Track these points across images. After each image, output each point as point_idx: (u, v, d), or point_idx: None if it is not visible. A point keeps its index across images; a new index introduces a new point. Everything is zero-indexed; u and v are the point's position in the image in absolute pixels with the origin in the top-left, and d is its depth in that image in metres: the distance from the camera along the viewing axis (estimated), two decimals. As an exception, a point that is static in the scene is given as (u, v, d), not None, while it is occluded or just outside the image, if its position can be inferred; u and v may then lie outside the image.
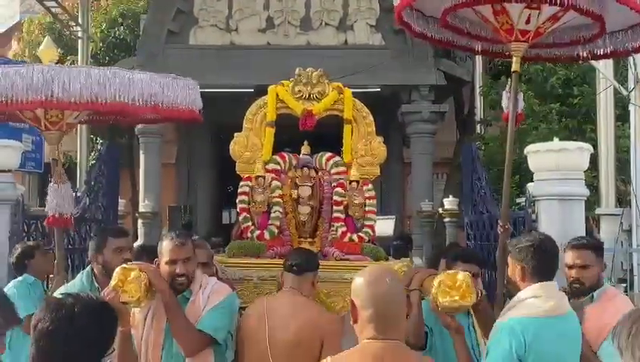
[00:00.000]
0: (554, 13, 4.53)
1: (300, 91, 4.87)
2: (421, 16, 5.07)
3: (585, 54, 5.23)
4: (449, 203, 11.42)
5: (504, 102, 4.91)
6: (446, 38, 5.22)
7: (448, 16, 4.84)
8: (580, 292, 3.93)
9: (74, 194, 8.54)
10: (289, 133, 4.96)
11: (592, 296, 3.89)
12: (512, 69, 4.76)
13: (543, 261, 3.34)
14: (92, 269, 4.09)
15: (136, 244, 6.25)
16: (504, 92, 4.97)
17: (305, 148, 5.00)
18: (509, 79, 4.91)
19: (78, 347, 1.97)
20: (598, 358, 3.65)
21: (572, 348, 3.31)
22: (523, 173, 9.08)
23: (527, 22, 4.55)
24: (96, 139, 14.60)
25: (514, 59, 4.72)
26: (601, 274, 4.01)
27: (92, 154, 13.42)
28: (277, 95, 4.88)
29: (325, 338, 3.59)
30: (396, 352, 2.33)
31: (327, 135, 5.32)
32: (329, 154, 4.94)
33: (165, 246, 3.42)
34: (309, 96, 4.88)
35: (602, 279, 4.04)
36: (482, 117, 13.00)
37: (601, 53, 5.16)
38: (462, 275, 3.22)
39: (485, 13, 4.63)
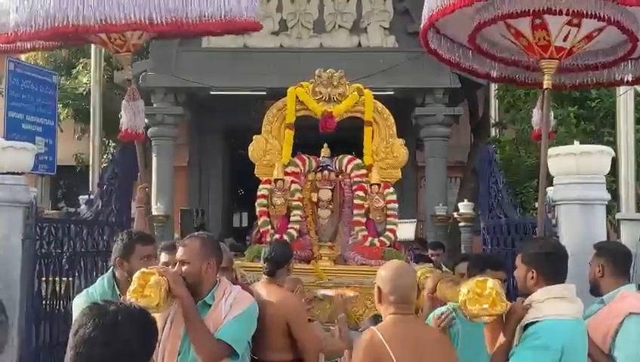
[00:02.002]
0: (591, 31, 4.46)
1: (320, 93, 4.81)
2: (443, 38, 5.01)
3: (628, 78, 5.22)
4: (464, 207, 11.32)
5: (534, 120, 4.84)
6: (466, 63, 5.17)
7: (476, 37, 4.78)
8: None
9: (87, 197, 8.57)
10: (309, 136, 4.89)
11: (602, 300, 3.83)
12: (544, 87, 4.68)
13: (557, 265, 3.34)
14: (113, 274, 3.99)
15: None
16: (534, 109, 4.89)
17: (325, 151, 4.94)
18: (542, 94, 4.84)
19: (118, 356, 1.90)
20: (604, 356, 3.63)
21: (586, 350, 3.34)
22: (541, 177, 8.96)
23: (565, 39, 4.49)
24: (109, 143, 14.57)
25: (545, 76, 4.65)
26: (598, 271, 3.92)
27: (105, 156, 13.38)
28: (296, 97, 4.82)
29: (289, 319, 3.93)
30: (413, 321, 3.23)
31: (347, 137, 5.26)
32: (349, 156, 4.88)
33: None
34: (329, 97, 4.81)
35: (601, 278, 3.92)
36: (497, 120, 12.87)
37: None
38: (491, 283, 3.13)
39: (522, 27, 4.54)
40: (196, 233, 3.52)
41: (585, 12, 4.19)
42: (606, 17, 4.18)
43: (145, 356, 1.99)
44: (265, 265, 4.16)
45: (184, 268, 3.33)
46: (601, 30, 4.43)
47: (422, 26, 4.74)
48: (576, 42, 4.52)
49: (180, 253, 3.37)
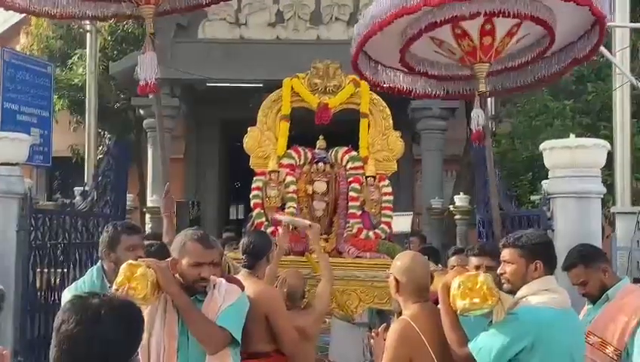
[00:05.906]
0: (508, 29, 4.50)
1: (315, 84, 4.80)
2: (371, 62, 5.09)
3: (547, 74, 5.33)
4: (460, 200, 11.31)
5: (474, 123, 4.92)
6: (391, 83, 5.28)
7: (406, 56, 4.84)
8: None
9: (82, 188, 8.55)
10: (304, 128, 4.88)
11: (607, 296, 3.80)
12: (479, 90, 4.76)
13: (554, 255, 3.33)
14: (102, 266, 3.97)
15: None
16: (474, 109, 4.93)
17: (320, 143, 4.92)
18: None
19: (103, 351, 1.86)
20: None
21: (581, 342, 3.30)
22: (536, 170, 8.97)
23: (488, 42, 4.57)
24: (104, 134, 14.53)
25: (480, 80, 4.74)
26: (604, 275, 3.88)
27: (100, 148, 13.33)
28: (292, 88, 4.80)
29: (267, 312, 3.91)
30: (430, 308, 3.32)
31: (343, 129, 5.25)
32: (345, 148, 4.86)
33: (191, 247, 3.30)
34: (325, 89, 4.80)
35: (608, 279, 3.90)
36: (493, 113, 12.86)
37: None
38: (483, 277, 3.10)
39: (447, 39, 4.60)
40: (200, 232, 3.45)
41: (494, 11, 4.23)
42: (516, 13, 4.21)
43: (131, 348, 1.95)
44: (244, 257, 4.10)
45: (213, 269, 3.31)
46: (519, 26, 4.47)
47: (352, 52, 4.82)
48: (498, 43, 4.56)
49: (210, 255, 3.31)
